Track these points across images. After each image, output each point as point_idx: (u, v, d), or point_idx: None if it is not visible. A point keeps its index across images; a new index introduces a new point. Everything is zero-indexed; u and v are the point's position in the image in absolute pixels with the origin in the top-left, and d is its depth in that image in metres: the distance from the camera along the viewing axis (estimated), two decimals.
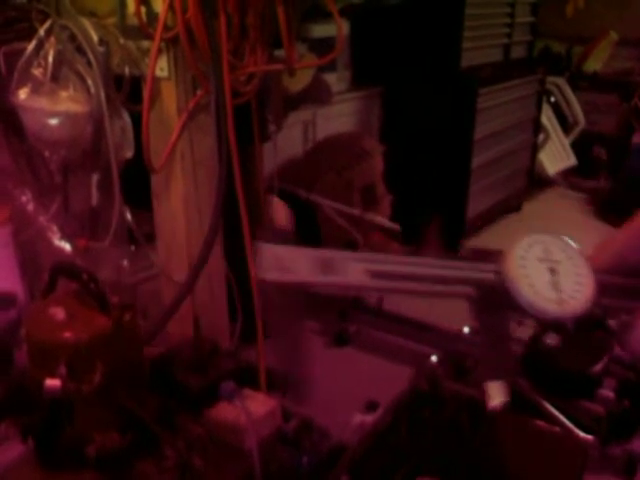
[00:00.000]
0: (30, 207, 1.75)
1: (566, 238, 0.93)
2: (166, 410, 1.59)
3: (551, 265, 0.90)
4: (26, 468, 1.53)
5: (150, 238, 1.85)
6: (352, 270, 0.91)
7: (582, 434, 1.87)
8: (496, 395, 0.90)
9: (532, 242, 0.94)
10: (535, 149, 4.17)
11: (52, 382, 1.43)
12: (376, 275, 0.93)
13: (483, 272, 0.93)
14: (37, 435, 1.53)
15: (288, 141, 2.83)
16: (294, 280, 0.88)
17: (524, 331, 2.43)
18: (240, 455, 1.56)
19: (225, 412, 1.62)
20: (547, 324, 1.07)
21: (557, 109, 4.43)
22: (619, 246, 1.00)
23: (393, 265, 0.95)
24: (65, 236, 1.73)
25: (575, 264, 0.92)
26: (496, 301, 0.92)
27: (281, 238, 0.98)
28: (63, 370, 1.44)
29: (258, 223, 1.99)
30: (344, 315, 2.80)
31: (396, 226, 3.10)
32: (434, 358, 2.31)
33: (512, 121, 3.86)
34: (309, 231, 2.88)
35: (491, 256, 0.97)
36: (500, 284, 0.91)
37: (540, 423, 1.96)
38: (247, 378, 1.74)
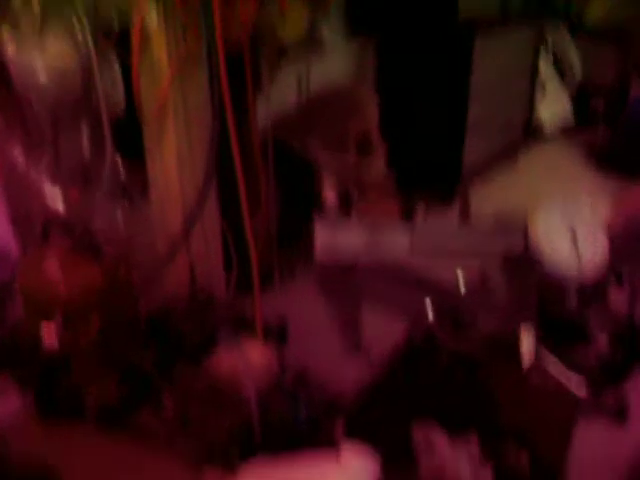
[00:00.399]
0: (20, 161, 1.73)
1: (584, 202, 0.94)
2: (163, 361, 1.60)
3: (571, 228, 0.91)
4: (24, 422, 1.55)
5: (145, 189, 1.83)
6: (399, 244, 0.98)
7: (575, 380, 1.89)
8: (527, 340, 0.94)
9: (555, 207, 0.95)
10: (532, 100, 4.12)
11: (48, 333, 1.44)
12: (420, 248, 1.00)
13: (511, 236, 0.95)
14: (35, 387, 1.54)
15: (281, 93, 2.79)
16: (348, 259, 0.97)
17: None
18: (239, 404, 1.57)
19: (223, 362, 1.63)
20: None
21: (556, 59, 4.36)
22: (632, 210, 1.00)
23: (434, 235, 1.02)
24: (56, 189, 1.72)
25: (593, 228, 0.93)
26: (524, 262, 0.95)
27: (333, 218, 1.05)
28: (58, 323, 1.44)
29: (252, 175, 1.97)
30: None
31: (391, 175, 3.09)
32: (430, 311, 2.32)
33: (509, 71, 3.80)
34: (305, 184, 2.85)
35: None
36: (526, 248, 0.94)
37: (534, 371, 1.99)
38: (244, 328, 1.74)
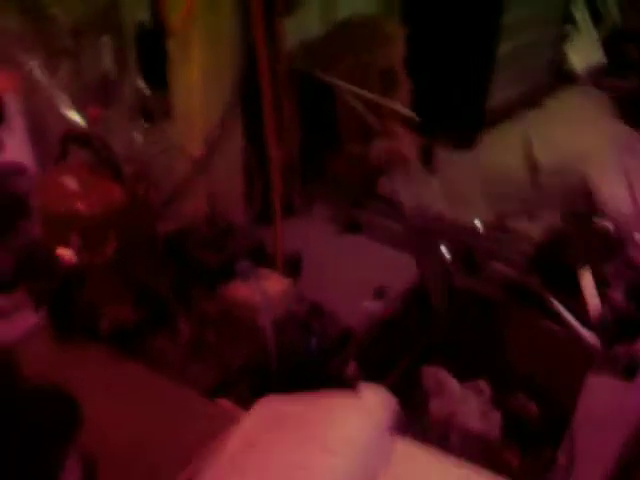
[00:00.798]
0: (39, 74, 1.67)
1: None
2: (180, 285, 1.57)
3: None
4: (39, 339, 1.53)
5: (166, 115, 1.77)
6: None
7: (587, 333, 1.88)
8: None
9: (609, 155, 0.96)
10: (562, 42, 3.98)
11: (64, 251, 1.41)
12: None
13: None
14: (50, 305, 1.52)
15: (307, 19, 2.69)
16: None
17: (535, 228, 2.42)
18: (253, 332, 1.55)
19: (240, 290, 1.61)
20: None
21: (591, 3, 4.20)
22: None
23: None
24: (76, 105, 1.66)
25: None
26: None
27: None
28: (76, 240, 1.41)
29: (278, 103, 1.89)
30: (357, 202, 2.76)
31: (414, 115, 3.00)
32: (444, 249, 2.29)
33: (540, 9, 3.67)
34: (327, 115, 2.78)
35: None
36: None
37: (548, 321, 1.97)
38: (262, 258, 1.71)
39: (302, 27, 2.53)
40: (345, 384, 1.64)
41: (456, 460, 1.23)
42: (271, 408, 1.23)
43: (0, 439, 0.96)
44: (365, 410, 1.22)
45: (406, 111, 2.98)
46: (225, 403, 1.40)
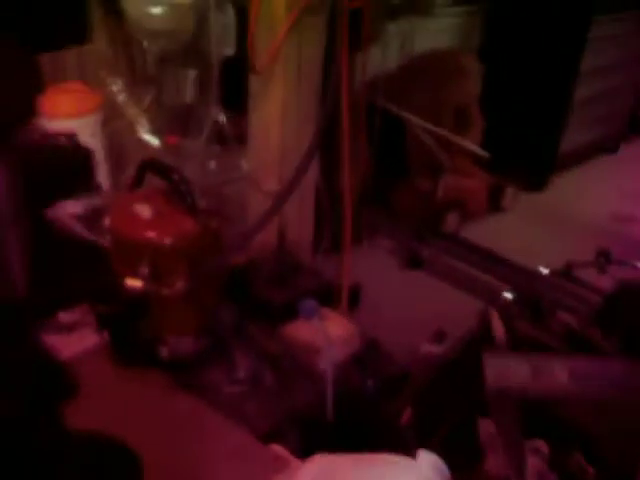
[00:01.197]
0: (121, 97, 1.69)
1: None
2: (242, 321, 1.55)
3: None
4: (99, 359, 1.53)
5: (240, 141, 1.76)
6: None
7: None
8: None
9: None
10: None
11: (133, 282, 1.40)
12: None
13: None
14: (113, 328, 1.52)
15: (384, 52, 2.68)
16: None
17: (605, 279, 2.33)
18: (312, 376, 1.52)
19: (302, 331, 1.58)
20: None
21: None
22: None
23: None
24: (155, 131, 1.67)
25: None
26: None
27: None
28: (145, 271, 1.41)
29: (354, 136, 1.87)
30: (420, 237, 2.72)
31: (485, 153, 2.96)
32: (509, 295, 2.23)
33: (621, 56, 3.58)
34: (396, 148, 2.76)
35: None
36: None
37: None
38: (328, 298, 1.69)
39: (379, 60, 2.52)
40: (400, 432, 1.60)
41: None
42: (324, 466, 1.18)
43: None
44: (419, 476, 1.16)
45: (478, 149, 2.94)
46: (279, 449, 1.37)
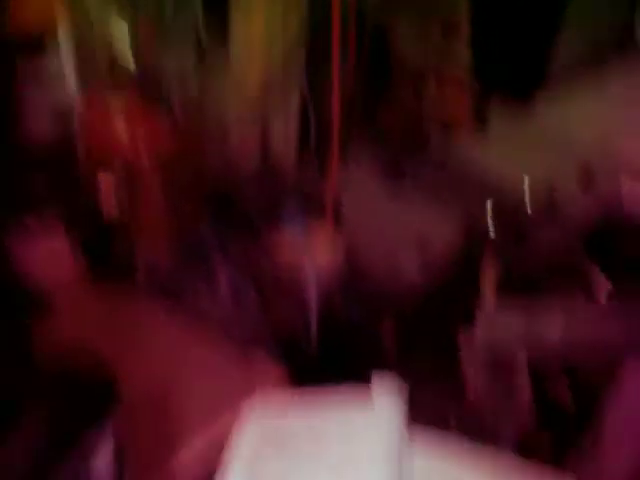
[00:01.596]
0: None
1: None
2: (225, 237, 1.49)
3: None
4: (74, 275, 1.47)
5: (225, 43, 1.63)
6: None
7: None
8: None
9: None
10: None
11: (106, 185, 1.33)
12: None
13: None
14: (88, 241, 1.45)
15: None
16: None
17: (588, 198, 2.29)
18: (296, 294, 1.48)
19: (285, 242, 1.51)
20: None
21: None
22: None
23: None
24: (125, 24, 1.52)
25: None
26: None
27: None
28: (118, 175, 1.33)
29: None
30: (404, 151, 2.68)
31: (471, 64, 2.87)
32: (490, 220, 2.20)
33: None
34: (381, 62, 2.67)
35: None
36: None
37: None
38: (309, 206, 1.61)
39: None
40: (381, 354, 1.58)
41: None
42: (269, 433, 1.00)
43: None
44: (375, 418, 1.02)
45: (464, 60, 2.85)
46: (263, 360, 1.32)
